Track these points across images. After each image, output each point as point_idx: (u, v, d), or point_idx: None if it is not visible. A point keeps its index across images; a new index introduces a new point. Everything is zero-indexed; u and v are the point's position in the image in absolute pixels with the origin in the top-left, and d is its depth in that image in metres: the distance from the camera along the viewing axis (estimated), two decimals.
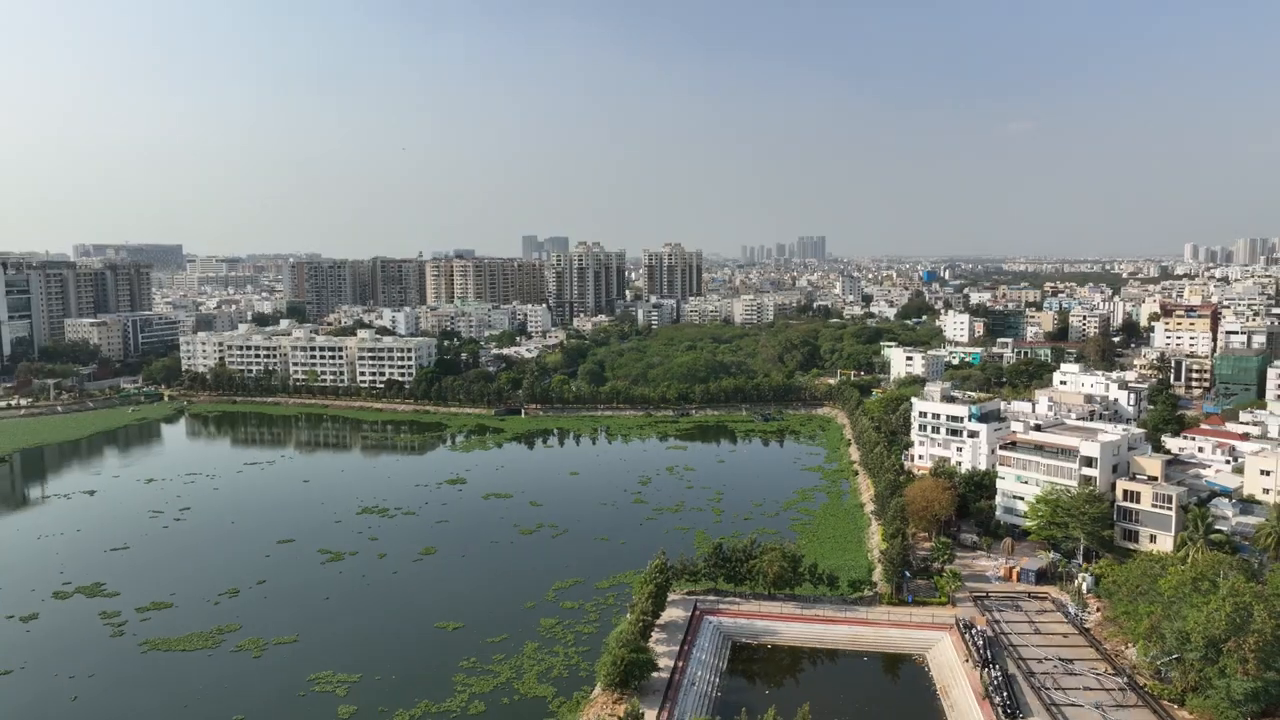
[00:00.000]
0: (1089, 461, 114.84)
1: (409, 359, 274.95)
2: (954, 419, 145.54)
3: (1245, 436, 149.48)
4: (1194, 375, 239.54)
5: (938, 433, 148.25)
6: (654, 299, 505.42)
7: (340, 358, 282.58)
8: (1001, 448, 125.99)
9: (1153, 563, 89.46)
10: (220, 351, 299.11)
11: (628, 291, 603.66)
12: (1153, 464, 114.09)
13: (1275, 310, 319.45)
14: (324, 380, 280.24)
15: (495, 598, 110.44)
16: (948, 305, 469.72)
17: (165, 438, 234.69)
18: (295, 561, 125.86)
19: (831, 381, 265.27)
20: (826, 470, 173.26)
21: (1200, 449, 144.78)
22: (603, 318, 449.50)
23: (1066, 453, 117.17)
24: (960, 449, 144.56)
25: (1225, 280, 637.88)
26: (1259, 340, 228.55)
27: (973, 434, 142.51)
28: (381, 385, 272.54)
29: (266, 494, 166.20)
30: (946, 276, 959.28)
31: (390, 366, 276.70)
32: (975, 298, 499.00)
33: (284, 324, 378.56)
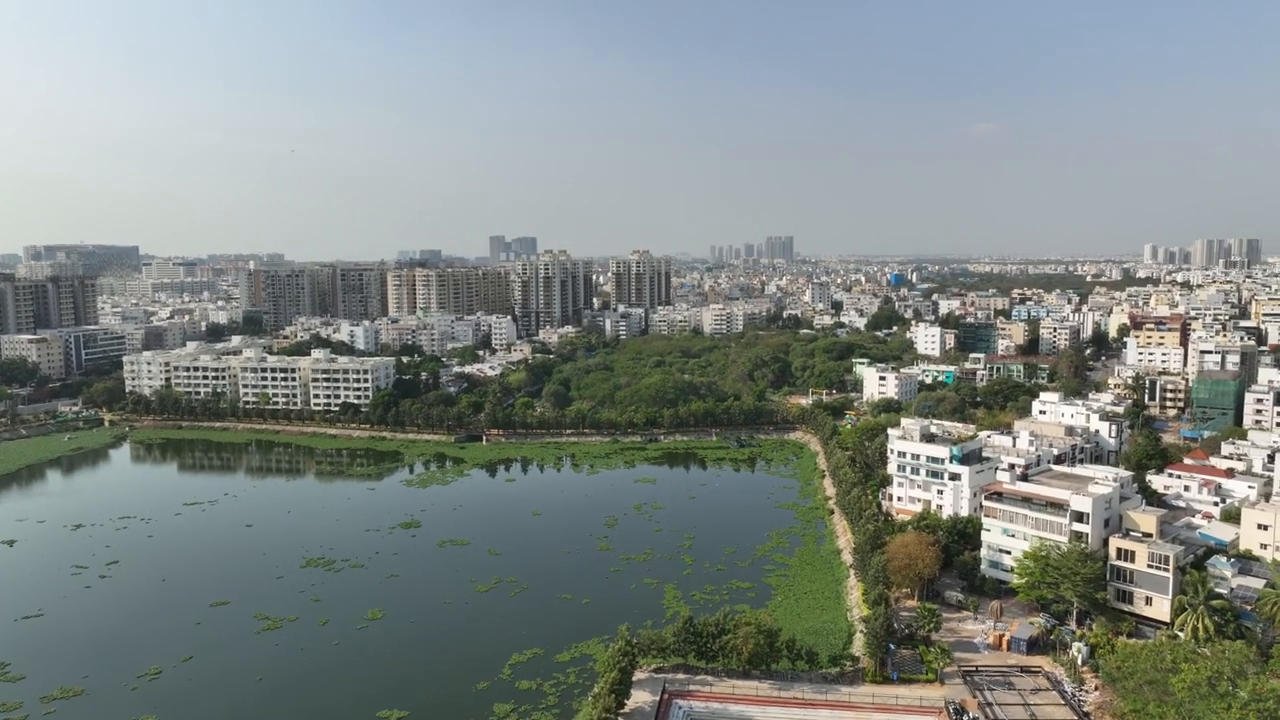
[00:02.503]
0: (1080, 517, 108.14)
1: (365, 381, 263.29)
2: (934, 460, 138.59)
3: (1230, 473, 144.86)
4: (1168, 395, 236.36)
5: (917, 474, 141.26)
6: (622, 308, 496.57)
7: (293, 379, 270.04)
8: (987, 498, 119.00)
9: (1161, 650, 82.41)
10: (166, 372, 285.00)
11: (595, 299, 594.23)
12: (1147, 520, 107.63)
13: (1244, 324, 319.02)
14: (276, 403, 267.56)
15: (445, 677, 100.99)
16: (918, 315, 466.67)
17: (102, 471, 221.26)
18: (228, 631, 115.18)
19: (804, 402, 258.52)
20: (801, 508, 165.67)
21: (1186, 487, 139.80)
22: (569, 329, 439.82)
23: (1056, 506, 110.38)
24: (941, 492, 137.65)
25: (1188, 286, 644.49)
26: (1233, 360, 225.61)
27: (954, 476, 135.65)
28: (336, 409, 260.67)
29: (204, 543, 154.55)
30: (914, 279, 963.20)
31: (345, 389, 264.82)
32: (944, 305, 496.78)
33: (236, 340, 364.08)
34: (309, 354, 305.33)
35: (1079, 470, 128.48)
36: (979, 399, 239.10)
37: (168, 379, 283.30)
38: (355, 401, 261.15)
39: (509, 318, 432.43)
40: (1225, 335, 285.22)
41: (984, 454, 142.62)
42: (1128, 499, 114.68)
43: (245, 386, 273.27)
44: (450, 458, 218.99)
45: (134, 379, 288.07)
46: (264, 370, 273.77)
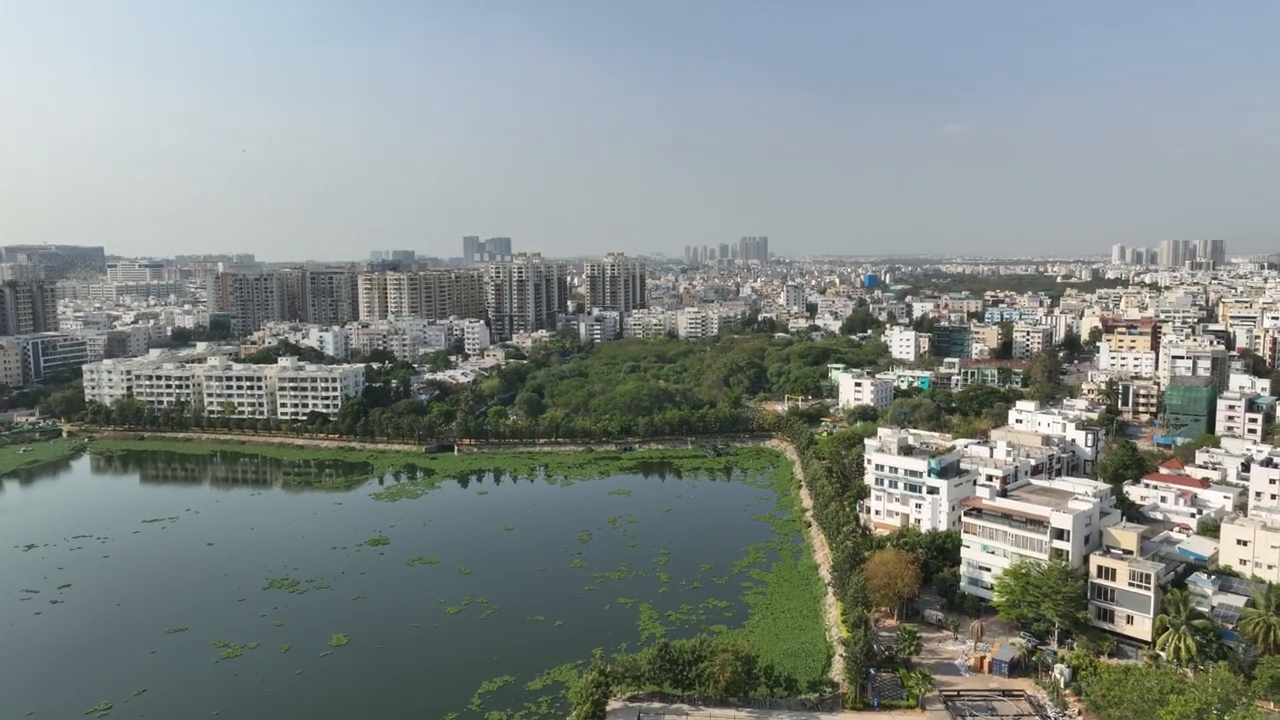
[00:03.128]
0: (1060, 534, 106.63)
1: (334, 389, 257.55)
2: (912, 473, 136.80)
3: (1205, 483, 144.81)
4: (1141, 400, 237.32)
5: (895, 487, 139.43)
6: (597, 311, 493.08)
7: (259, 388, 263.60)
8: (966, 514, 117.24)
9: (1147, 678, 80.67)
10: (128, 381, 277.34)
11: (570, 302, 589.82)
12: (1128, 536, 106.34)
13: (1213, 327, 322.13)
14: (241, 412, 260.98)
15: (411, 709, 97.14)
16: (892, 318, 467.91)
17: (58, 486, 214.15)
18: (185, 660, 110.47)
19: (779, 408, 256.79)
20: (778, 520, 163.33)
21: (1163, 498, 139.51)
22: (543, 333, 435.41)
23: (1036, 523, 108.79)
24: (920, 505, 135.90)
25: (1156, 287, 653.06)
26: (1204, 365, 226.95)
27: (933, 490, 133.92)
28: (304, 419, 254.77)
29: (163, 563, 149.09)
30: (888, 280, 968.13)
31: (314, 398, 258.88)
32: (918, 308, 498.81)
33: (202, 346, 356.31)
34: (277, 361, 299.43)
35: (1058, 484, 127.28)
36: (954, 405, 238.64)
37: (129, 388, 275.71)
38: (324, 411, 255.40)
39: (481, 322, 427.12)
40: (1195, 339, 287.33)
41: (962, 466, 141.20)
42: (1107, 514, 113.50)
43: (210, 395, 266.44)
44: (421, 469, 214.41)
45: (94, 388, 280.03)
46: (229, 379, 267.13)
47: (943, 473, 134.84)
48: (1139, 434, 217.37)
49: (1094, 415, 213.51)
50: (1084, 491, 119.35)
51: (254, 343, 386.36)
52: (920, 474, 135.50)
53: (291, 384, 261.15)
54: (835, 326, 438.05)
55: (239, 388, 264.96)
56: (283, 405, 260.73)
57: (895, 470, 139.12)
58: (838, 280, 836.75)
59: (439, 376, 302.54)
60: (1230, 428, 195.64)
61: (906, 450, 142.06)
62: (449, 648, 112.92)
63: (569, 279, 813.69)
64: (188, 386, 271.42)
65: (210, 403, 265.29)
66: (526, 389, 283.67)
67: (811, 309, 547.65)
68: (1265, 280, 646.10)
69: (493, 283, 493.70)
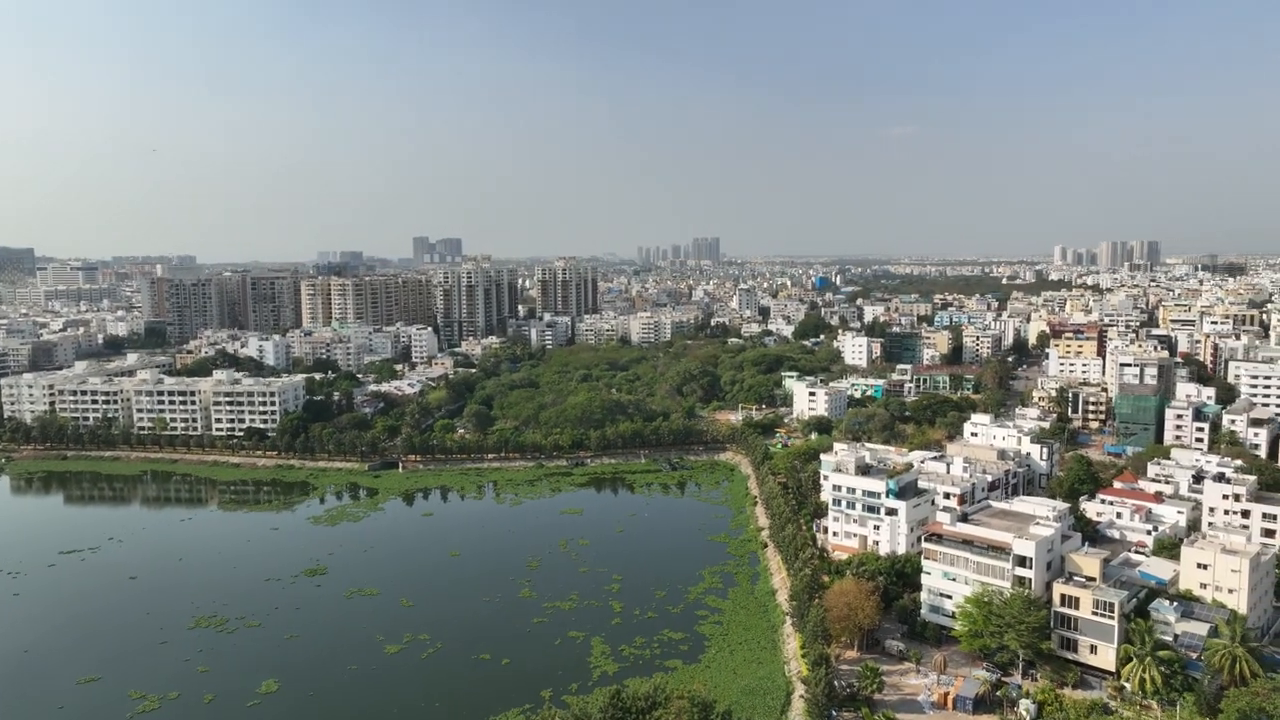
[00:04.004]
0: (1023, 561, 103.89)
1: (272, 404, 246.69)
2: (870, 494, 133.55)
3: (1159, 497, 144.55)
4: (1090, 407, 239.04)
5: (853, 508, 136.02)
6: (548, 317, 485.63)
7: (192, 403, 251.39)
8: (926, 539, 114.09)
9: (1113, 717, 77.63)
10: (51, 396, 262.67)
11: (521, 306, 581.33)
12: (1090, 563, 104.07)
13: (1155, 331, 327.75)
14: (174, 429, 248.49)
15: None
16: (843, 322, 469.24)
17: None
18: (95, 715, 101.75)
19: (733, 418, 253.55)
20: (734, 541, 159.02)
21: (1119, 514, 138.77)
22: (494, 339, 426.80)
23: (998, 550, 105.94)
24: (878, 527, 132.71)
25: (1099, 290, 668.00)
26: (1151, 373, 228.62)
27: (891, 512, 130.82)
28: (241, 435, 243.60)
29: (79, 601, 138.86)
30: (838, 282, 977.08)
31: (251, 413, 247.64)
32: (869, 312, 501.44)
33: (133, 358, 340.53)
34: (212, 372, 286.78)
35: (1017, 504, 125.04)
36: (908, 414, 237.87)
37: (52, 403, 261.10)
38: (261, 426, 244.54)
39: (429, 329, 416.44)
40: (1140, 345, 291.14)
41: (920, 484, 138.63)
42: (1069, 538, 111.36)
43: (140, 411, 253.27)
44: (364, 488, 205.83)
45: (13, 404, 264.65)
46: (160, 393, 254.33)
47: (901, 493, 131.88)
48: (1090, 442, 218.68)
49: (1046, 424, 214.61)
50: (1044, 513, 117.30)
51: (190, 352, 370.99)
52: (878, 495, 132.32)
53: (227, 398, 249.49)
54: (788, 331, 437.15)
55: (171, 403, 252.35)
56: (218, 421, 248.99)
57: (853, 491, 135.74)
58: (789, 283, 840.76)
59: (384, 388, 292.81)
60: (1178, 436, 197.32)
61: (864, 470, 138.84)
62: (388, 692, 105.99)
63: (521, 281, 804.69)
64: (116, 401, 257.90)
65: (140, 419, 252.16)
66: (475, 400, 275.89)
67: (764, 313, 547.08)
68: (1200, 283, 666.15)
69: (441, 287, 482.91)
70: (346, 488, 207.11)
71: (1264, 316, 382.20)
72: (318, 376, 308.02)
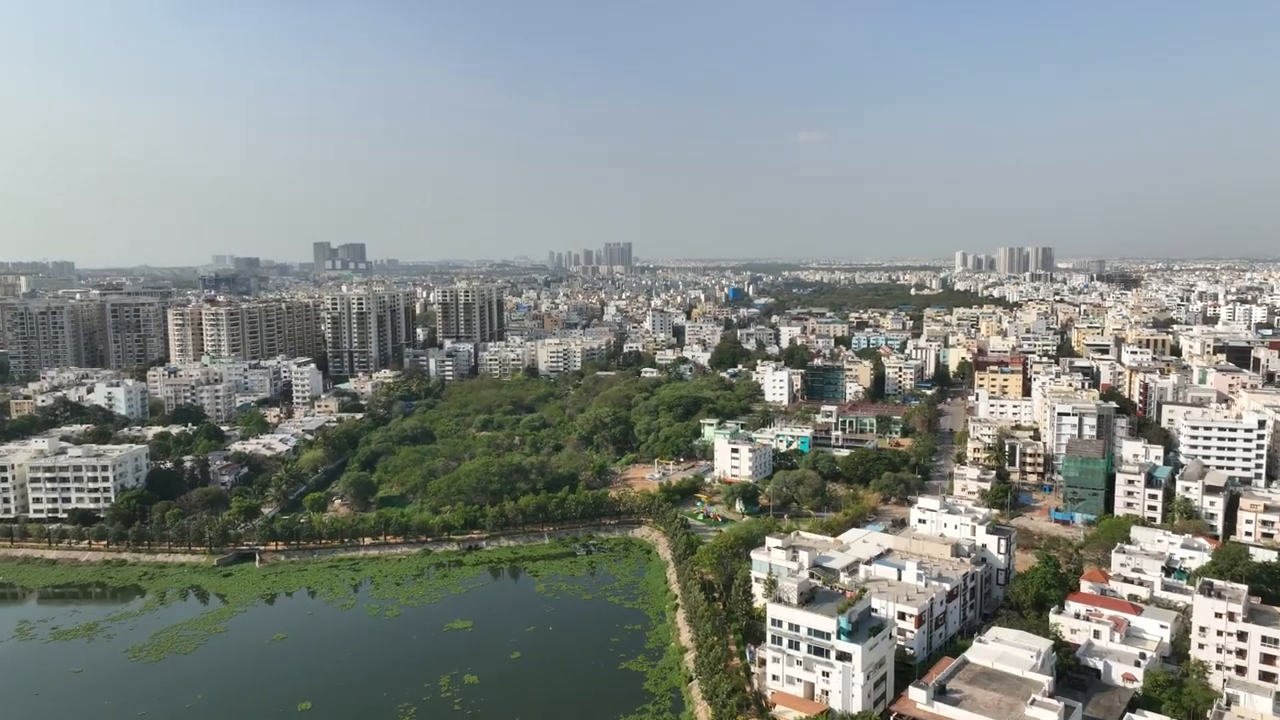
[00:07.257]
0: None
1: (106, 479, 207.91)
2: (818, 633, 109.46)
3: (1137, 607, 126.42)
4: (1028, 459, 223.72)
5: (797, 648, 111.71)
6: (449, 345, 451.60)
7: (5, 479, 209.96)
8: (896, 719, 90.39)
9: None
10: None
11: (420, 330, 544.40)
12: None
13: (1078, 363, 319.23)
14: None
15: None
16: (760, 347, 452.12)
17: None
18: None
19: (648, 475, 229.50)
20: (652, 670, 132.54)
21: (1096, 632, 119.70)
22: (387, 373, 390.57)
23: None
24: (828, 674, 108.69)
25: (1006, 303, 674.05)
26: (1090, 423, 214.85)
27: (843, 656, 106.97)
28: (65, 518, 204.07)
29: None
30: (751, 292, 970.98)
31: (79, 490, 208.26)
32: (785, 333, 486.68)
33: None
34: (53, 425, 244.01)
35: (994, 648, 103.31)
36: (839, 471, 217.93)
37: None
38: (92, 506, 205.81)
39: (313, 364, 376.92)
40: (1065, 377, 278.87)
41: (873, 601, 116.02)
42: (1072, 709, 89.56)
43: None
44: (210, 592, 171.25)
45: None
46: None
47: (855, 630, 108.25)
48: (1033, 503, 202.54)
49: (988, 485, 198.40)
50: (1026, 657, 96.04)
51: (28, 397, 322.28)
52: (828, 635, 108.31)
53: (47, 474, 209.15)
54: (704, 359, 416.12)
55: None
56: (36, 501, 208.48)
57: (796, 628, 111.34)
58: (703, 296, 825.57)
59: (250, 446, 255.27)
60: (1130, 505, 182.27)
61: (808, 598, 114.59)
62: None
63: (426, 294, 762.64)
64: None
65: None
66: (356, 461, 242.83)
67: (679, 334, 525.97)
68: (1103, 298, 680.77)
69: (329, 315, 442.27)
70: (187, 591, 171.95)
71: (1175, 340, 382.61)
72: (174, 431, 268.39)
